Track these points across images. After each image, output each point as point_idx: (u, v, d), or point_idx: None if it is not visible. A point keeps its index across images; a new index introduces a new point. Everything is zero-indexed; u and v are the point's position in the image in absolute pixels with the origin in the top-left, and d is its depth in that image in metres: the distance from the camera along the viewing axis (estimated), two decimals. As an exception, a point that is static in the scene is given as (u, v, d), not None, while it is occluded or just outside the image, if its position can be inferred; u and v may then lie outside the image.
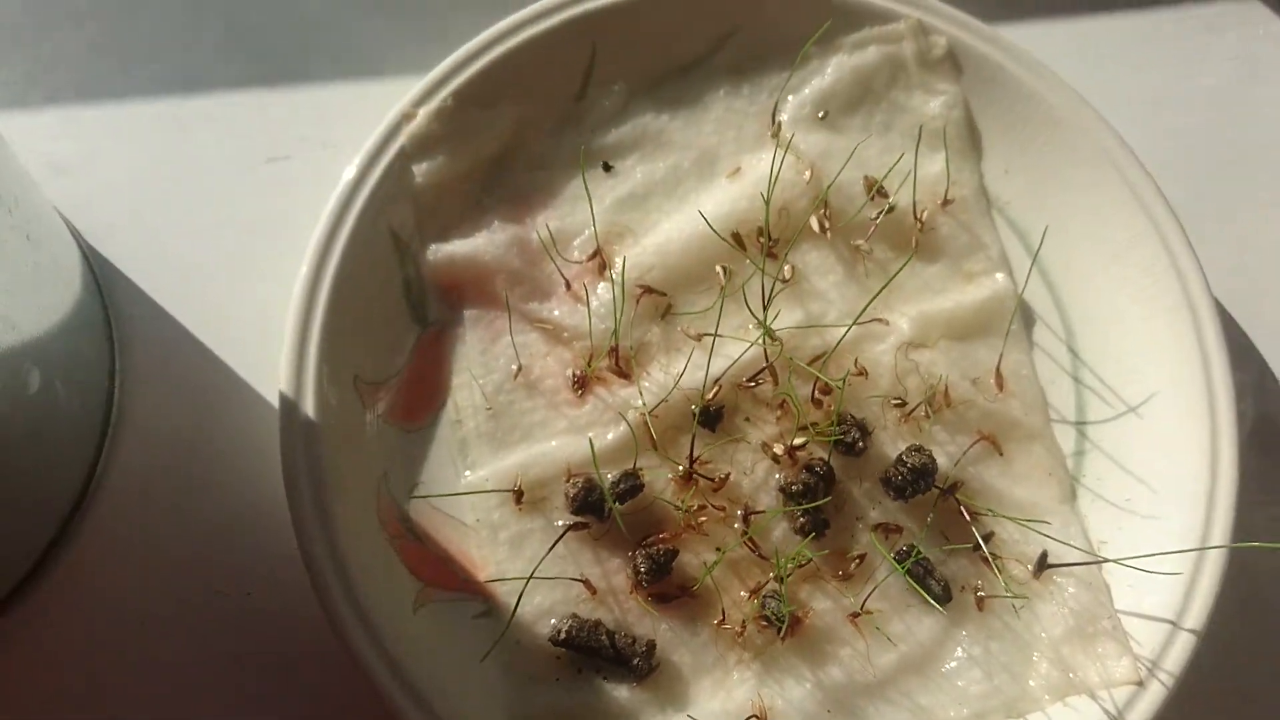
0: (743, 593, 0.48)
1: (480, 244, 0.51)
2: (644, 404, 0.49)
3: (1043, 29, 0.59)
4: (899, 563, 0.48)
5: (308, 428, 0.46)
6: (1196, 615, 0.46)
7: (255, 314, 0.51)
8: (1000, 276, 0.52)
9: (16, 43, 0.55)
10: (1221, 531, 0.46)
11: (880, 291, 0.50)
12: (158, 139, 0.54)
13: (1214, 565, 0.46)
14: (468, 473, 0.49)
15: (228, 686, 0.47)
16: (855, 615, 0.48)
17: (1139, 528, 0.48)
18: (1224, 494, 0.47)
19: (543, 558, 0.46)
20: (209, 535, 0.49)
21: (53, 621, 0.47)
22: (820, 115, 0.54)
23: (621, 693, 0.46)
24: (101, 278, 0.51)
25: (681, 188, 0.53)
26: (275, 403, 0.46)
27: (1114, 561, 0.46)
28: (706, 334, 0.50)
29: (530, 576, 0.46)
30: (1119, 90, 0.56)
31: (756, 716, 0.46)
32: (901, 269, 0.51)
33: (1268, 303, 0.55)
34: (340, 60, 0.55)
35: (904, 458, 0.48)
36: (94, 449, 0.48)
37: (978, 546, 0.49)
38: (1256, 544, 0.46)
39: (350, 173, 0.48)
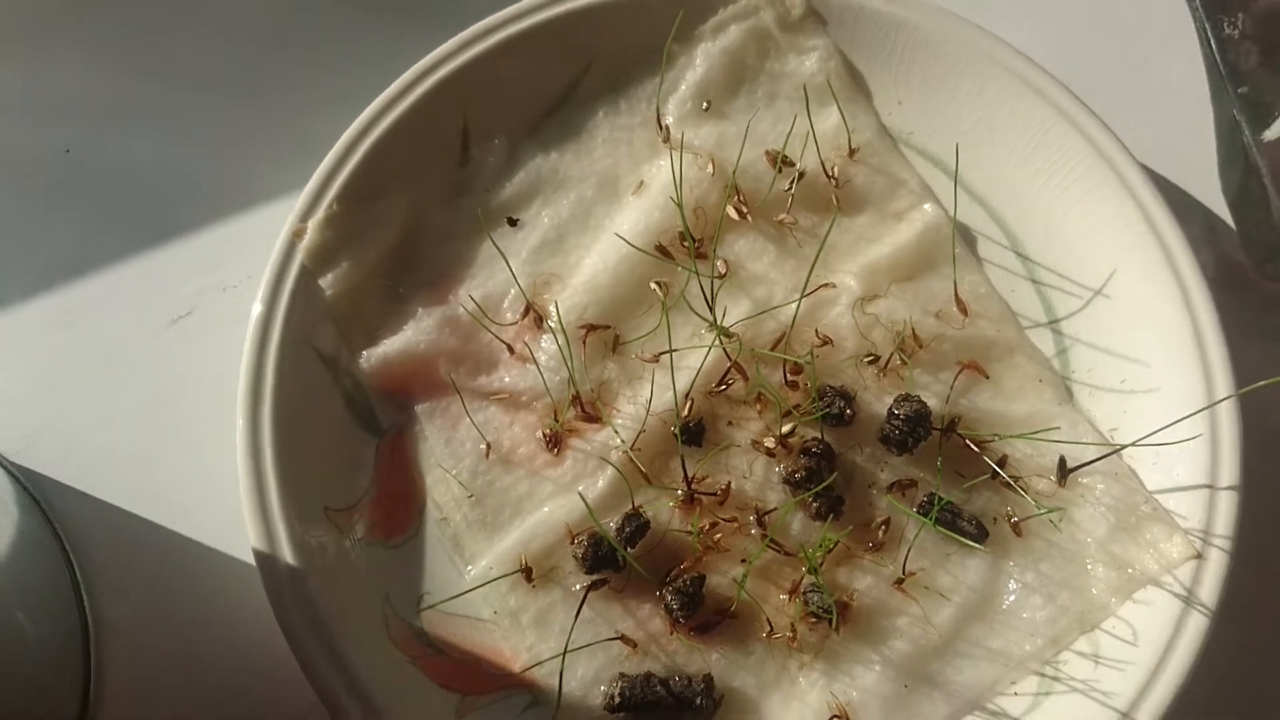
0: (782, 596, 0.46)
1: (410, 336, 0.49)
2: (622, 441, 0.47)
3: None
4: (924, 515, 0.46)
5: (291, 574, 0.43)
6: (1229, 471, 0.45)
7: (205, 480, 0.49)
8: (928, 207, 0.52)
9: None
10: (1224, 381, 0.46)
11: (818, 256, 0.48)
12: (52, 337, 0.51)
13: (1230, 416, 0.45)
14: (469, 568, 0.47)
15: None
16: (900, 582, 0.46)
17: (1143, 405, 0.47)
18: (1214, 344, 0.46)
19: (572, 627, 0.44)
20: (225, 713, 0.46)
21: None
22: (704, 107, 0.53)
23: (694, 737, 0.44)
24: (37, 493, 0.48)
25: (592, 218, 0.52)
26: (251, 560, 0.43)
27: (1132, 445, 0.45)
28: (662, 351, 0.48)
29: (565, 651, 0.43)
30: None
31: (839, 716, 0.44)
32: (830, 229, 0.50)
33: (1189, 150, 0.55)
34: (215, 200, 0.53)
35: (895, 410, 0.47)
36: (81, 666, 0.45)
37: (995, 474, 0.47)
38: (1263, 383, 0.45)
39: (258, 308, 0.46)
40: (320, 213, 0.48)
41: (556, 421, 0.48)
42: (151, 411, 0.50)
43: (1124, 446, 0.46)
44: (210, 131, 0.55)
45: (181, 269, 0.53)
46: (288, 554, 0.43)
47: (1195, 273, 0.47)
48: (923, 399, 0.47)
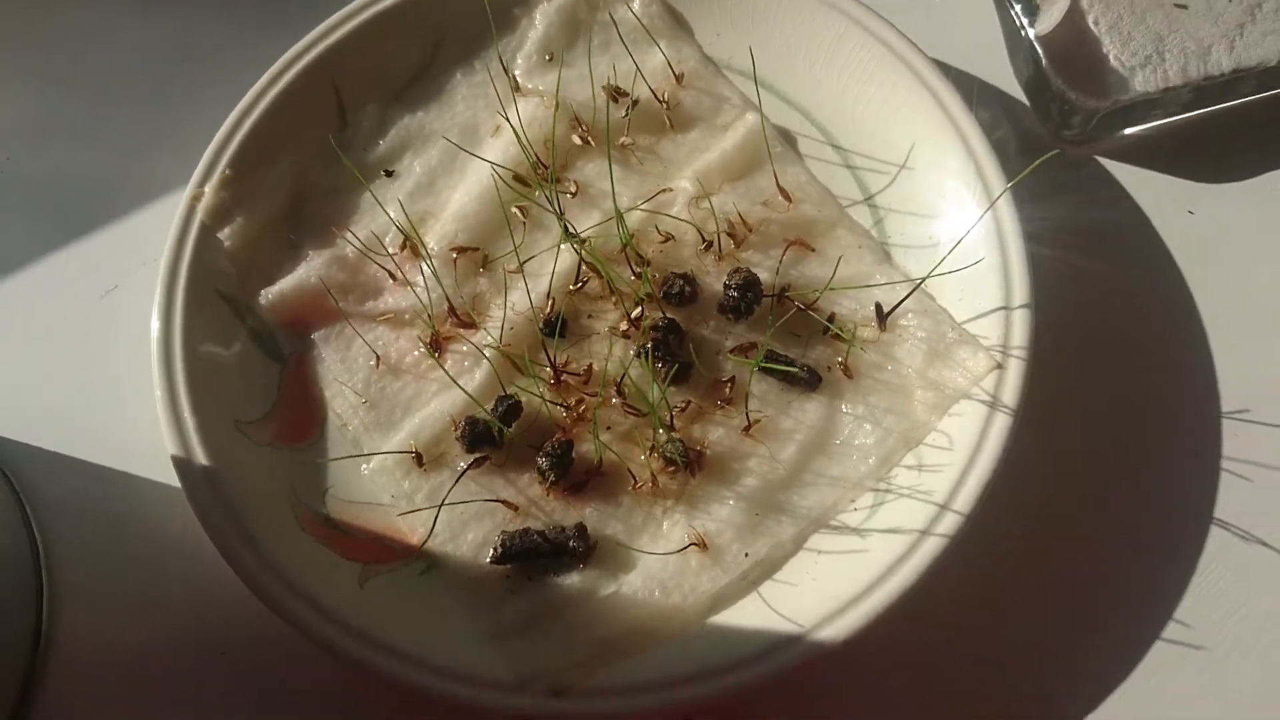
0: (642, 457, 0.52)
1: (302, 273, 0.56)
2: (494, 339, 0.53)
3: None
4: (755, 368, 0.52)
5: (207, 474, 0.49)
6: (1020, 292, 0.50)
7: (136, 422, 0.55)
8: (750, 116, 0.58)
9: None
10: (1009, 216, 0.52)
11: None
12: None
13: (1015, 246, 0.51)
14: (364, 466, 0.53)
15: None
16: (746, 429, 0.52)
17: (948, 254, 0.53)
18: (993, 177, 0.52)
19: (450, 488, 0.50)
20: (173, 609, 0.52)
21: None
22: (548, 59, 0.60)
23: (573, 578, 0.49)
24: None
25: (457, 162, 0.59)
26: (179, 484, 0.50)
27: (930, 277, 0.51)
28: (525, 259, 0.55)
29: (442, 504, 0.49)
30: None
31: (695, 544, 0.49)
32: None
33: (988, 48, 0.62)
34: (130, 193, 0.61)
35: (728, 282, 0.53)
36: (34, 584, 0.51)
37: (827, 329, 0.53)
38: (1021, 175, 0.50)
39: (165, 259, 0.53)
40: (215, 178, 0.55)
41: (435, 329, 0.54)
42: (89, 370, 0.57)
43: (923, 280, 0.52)
44: (123, 137, 0.64)
45: (106, 252, 0.60)
46: (201, 457, 0.50)
47: (976, 130, 0.54)
48: (754, 271, 0.53)
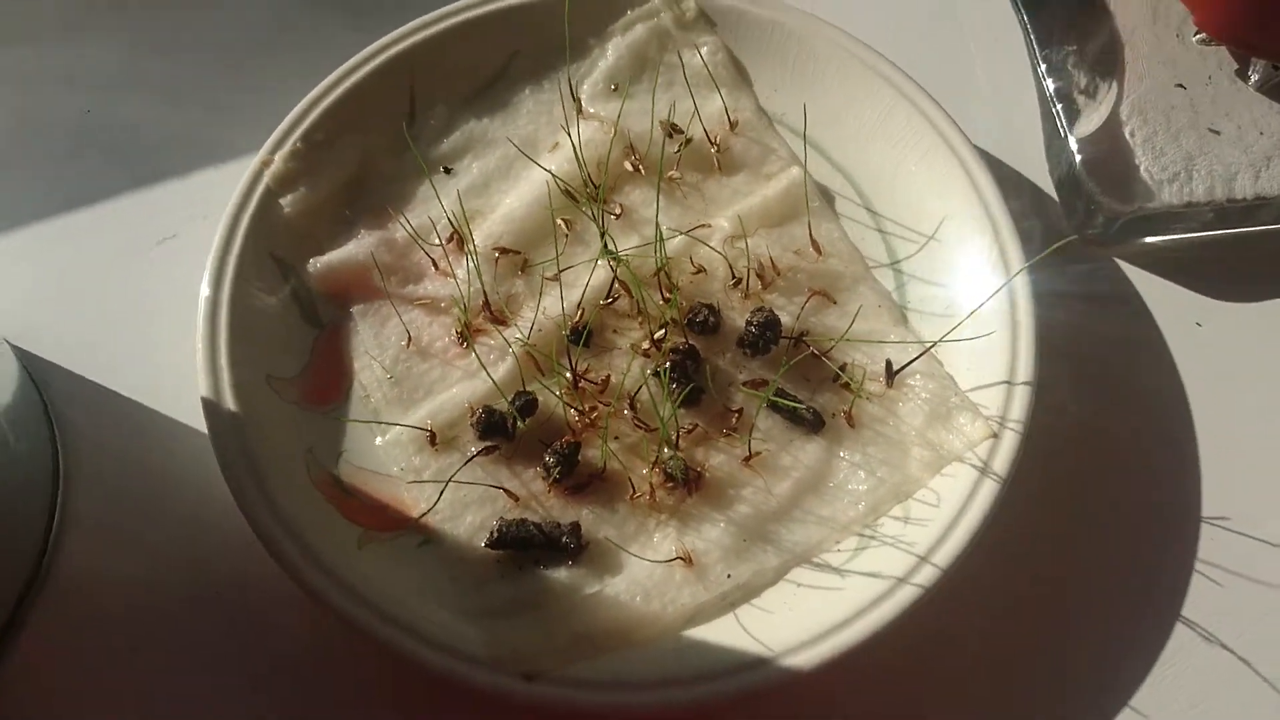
0: (644, 471, 0.54)
1: (352, 249, 0.58)
2: (521, 337, 0.56)
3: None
4: (770, 406, 0.54)
5: (233, 420, 0.52)
6: (1024, 369, 0.53)
7: (173, 365, 0.57)
8: (794, 169, 0.62)
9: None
10: (1025, 297, 0.54)
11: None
12: (60, 249, 0.62)
13: (1026, 321, 0.54)
14: (379, 438, 0.55)
15: (211, 673, 0.52)
16: (747, 459, 0.54)
17: (961, 326, 0.56)
18: (1014, 260, 0.55)
19: (459, 468, 0.52)
20: (176, 550, 0.54)
21: (37, 649, 0.52)
22: (613, 88, 0.64)
23: (561, 573, 0.51)
24: (29, 367, 0.58)
25: (513, 170, 0.62)
26: (203, 426, 0.52)
27: (941, 341, 0.54)
28: (562, 269, 0.58)
29: (449, 481, 0.51)
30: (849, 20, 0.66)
31: (682, 558, 0.51)
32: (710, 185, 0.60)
33: (1024, 139, 0.65)
34: (201, 151, 0.65)
35: (751, 319, 0.56)
36: (50, 492, 0.54)
37: (837, 377, 0.56)
38: (1033, 260, 0.53)
39: (227, 211, 0.57)
40: (286, 148, 0.59)
41: (468, 319, 0.57)
42: (134, 310, 0.60)
43: (935, 343, 0.54)
44: (200, 100, 0.67)
45: (170, 203, 0.63)
46: (230, 403, 0.52)
47: (1005, 217, 0.57)
48: (775, 311, 0.56)
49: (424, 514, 0.53)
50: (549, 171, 0.59)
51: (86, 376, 0.58)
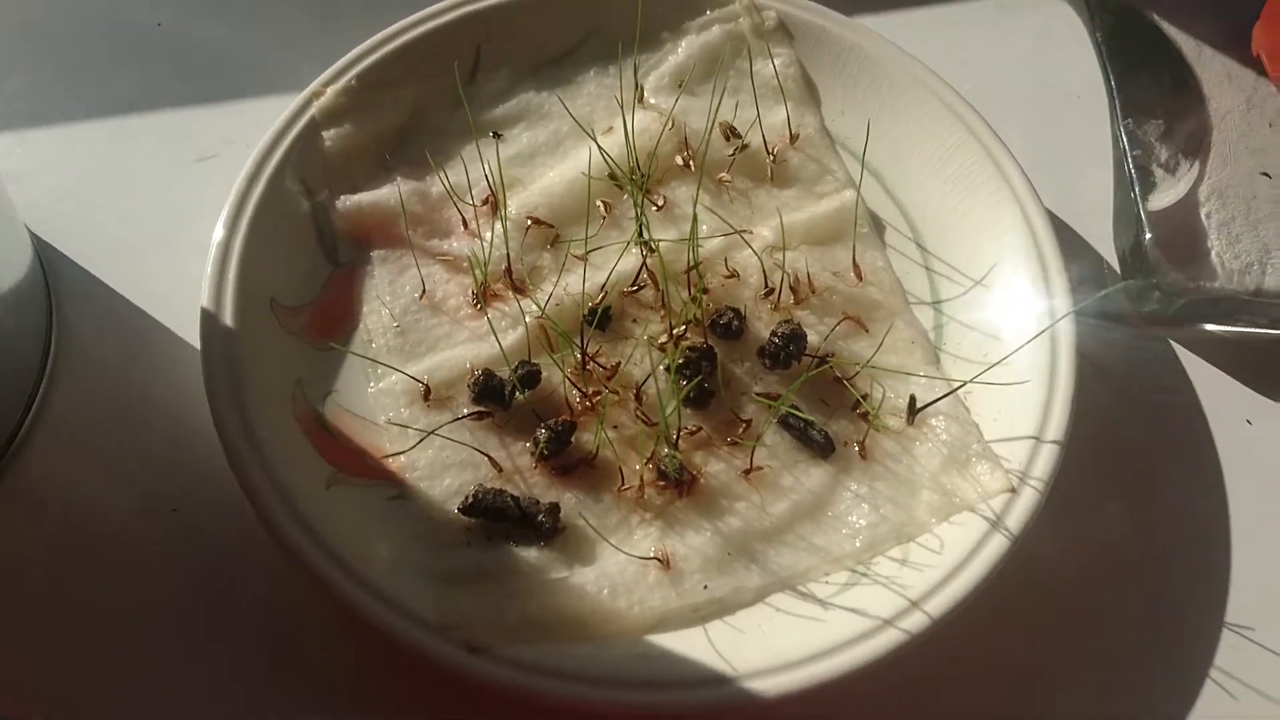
0: (636, 467, 0.51)
1: (384, 193, 0.57)
2: (538, 306, 0.54)
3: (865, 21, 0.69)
4: (782, 424, 0.51)
5: (226, 335, 0.50)
6: (1056, 428, 0.50)
7: (182, 280, 0.56)
8: (848, 193, 0.59)
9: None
10: (1066, 355, 0.51)
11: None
12: (101, 149, 0.62)
13: (1065, 379, 0.50)
14: (372, 385, 0.53)
15: (164, 593, 0.50)
16: (747, 472, 0.51)
17: (994, 372, 0.53)
18: (1062, 309, 0.52)
19: (446, 423, 0.50)
20: (143, 460, 0.52)
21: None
22: (679, 85, 0.62)
23: (530, 553, 0.48)
24: (43, 254, 0.57)
25: (562, 147, 0.61)
26: (198, 343, 0.50)
27: (971, 382, 0.51)
28: (591, 249, 0.56)
29: (432, 431, 0.49)
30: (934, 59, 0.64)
31: (659, 559, 0.48)
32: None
33: (1094, 206, 0.62)
34: (261, 77, 0.64)
35: (776, 330, 0.53)
36: (34, 379, 0.52)
37: (856, 405, 0.53)
38: (1067, 312, 0.51)
39: (268, 134, 0.56)
40: (340, 83, 0.58)
41: (486, 282, 0.55)
42: (158, 220, 0.59)
43: (965, 383, 0.51)
44: (274, 27, 0.67)
45: (219, 124, 0.63)
46: (228, 318, 0.50)
47: (1061, 277, 0.54)
48: (803, 327, 0.53)
49: (402, 468, 0.50)
50: (599, 146, 0.58)
51: (96, 275, 0.57)
